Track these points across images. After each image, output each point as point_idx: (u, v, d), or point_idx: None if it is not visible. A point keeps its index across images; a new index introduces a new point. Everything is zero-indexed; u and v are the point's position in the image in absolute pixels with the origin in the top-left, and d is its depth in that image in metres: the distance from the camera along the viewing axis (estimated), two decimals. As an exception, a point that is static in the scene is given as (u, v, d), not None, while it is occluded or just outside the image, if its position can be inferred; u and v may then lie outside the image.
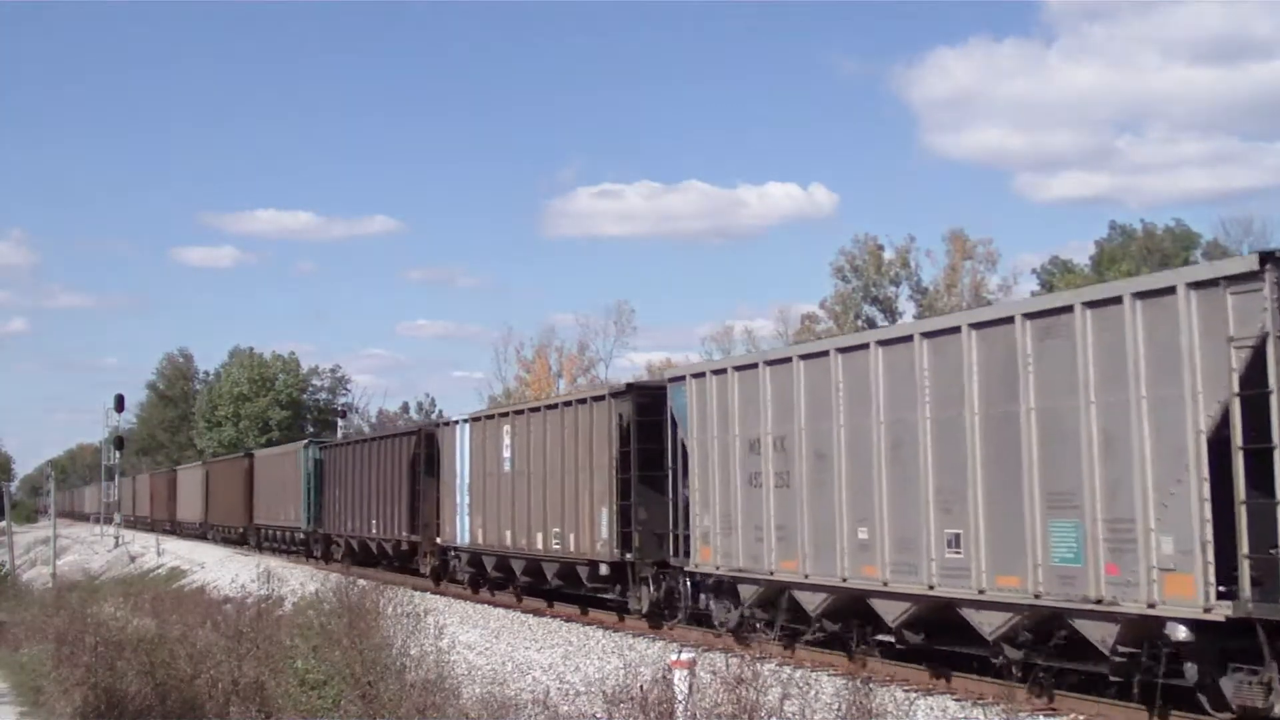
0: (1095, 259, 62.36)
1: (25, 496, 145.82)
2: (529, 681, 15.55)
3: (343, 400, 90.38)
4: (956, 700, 13.47)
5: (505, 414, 26.18)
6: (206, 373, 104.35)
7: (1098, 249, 64.08)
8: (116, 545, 63.56)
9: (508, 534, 24.84)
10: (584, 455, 21.70)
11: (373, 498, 33.81)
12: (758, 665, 8.79)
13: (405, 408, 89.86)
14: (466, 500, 27.16)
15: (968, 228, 67.50)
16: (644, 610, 19.99)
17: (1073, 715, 12.36)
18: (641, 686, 8.74)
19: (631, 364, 75.03)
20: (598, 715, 8.99)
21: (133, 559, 55.05)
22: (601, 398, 21.41)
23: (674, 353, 78.79)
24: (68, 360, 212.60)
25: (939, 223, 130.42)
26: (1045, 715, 12.46)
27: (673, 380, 19.25)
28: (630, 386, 21.38)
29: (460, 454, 27.59)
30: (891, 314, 59.70)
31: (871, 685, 10.10)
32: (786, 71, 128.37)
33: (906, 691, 13.91)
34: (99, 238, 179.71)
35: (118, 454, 75.81)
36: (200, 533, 59.63)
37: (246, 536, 48.70)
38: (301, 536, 40.72)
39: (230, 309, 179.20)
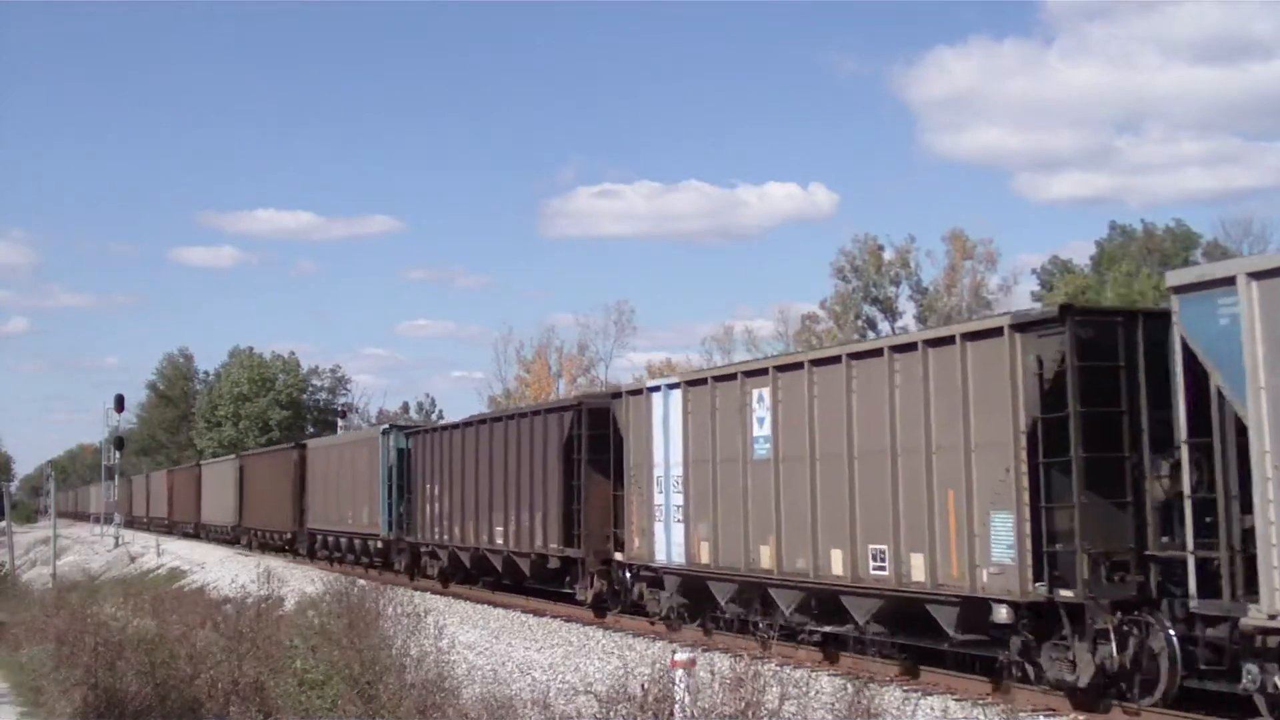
0: (1095, 259, 62.35)
1: (25, 497, 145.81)
2: (529, 682, 15.55)
3: (343, 400, 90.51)
4: (957, 700, 13.48)
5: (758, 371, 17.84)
6: (206, 373, 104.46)
7: (1098, 249, 64.07)
8: (116, 545, 63.57)
9: (763, 550, 17.10)
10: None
11: (498, 497, 25.86)
12: (757, 665, 8.80)
13: (405, 407, 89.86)
14: (676, 502, 19.24)
15: (968, 228, 67.59)
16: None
17: (1073, 715, 12.37)
18: (644, 686, 8.74)
19: (631, 364, 74.95)
20: (596, 716, 8.98)
21: (133, 559, 55.04)
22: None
23: (674, 353, 79.04)
24: (68, 360, 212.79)
25: (939, 223, 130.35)
26: (1045, 715, 12.47)
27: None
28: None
29: (665, 434, 19.63)
30: (892, 314, 59.77)
31: (871, 685, 10.10)
32: (786, 71, 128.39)
33: (906, 691, 13.92)
34: (99, 238, 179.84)
35: (118, 454, 75.83)
36: (232, 537, 52.18)
37: (295, 543, 42.39)
38: (379, 546, 33.60)
39: (230, 309, 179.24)
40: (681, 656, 11.84)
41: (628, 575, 20.91)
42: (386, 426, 32.18)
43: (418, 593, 24.85)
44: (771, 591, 16.72)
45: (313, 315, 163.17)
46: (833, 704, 9.62)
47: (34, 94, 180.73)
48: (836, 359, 15.81)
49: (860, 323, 59.22)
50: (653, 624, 19.88)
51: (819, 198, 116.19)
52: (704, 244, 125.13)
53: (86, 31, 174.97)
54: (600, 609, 21.98)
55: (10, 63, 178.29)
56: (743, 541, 17.20)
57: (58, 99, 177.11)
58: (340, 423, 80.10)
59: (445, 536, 28.87)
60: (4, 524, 51.28)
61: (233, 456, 57.19)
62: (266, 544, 46.30)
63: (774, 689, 8.62)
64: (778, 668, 10.06)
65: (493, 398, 69.25)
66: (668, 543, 19.18)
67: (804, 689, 9.07)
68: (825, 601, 15.86)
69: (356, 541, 35.64)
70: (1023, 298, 60.26)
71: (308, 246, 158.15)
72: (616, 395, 21.40)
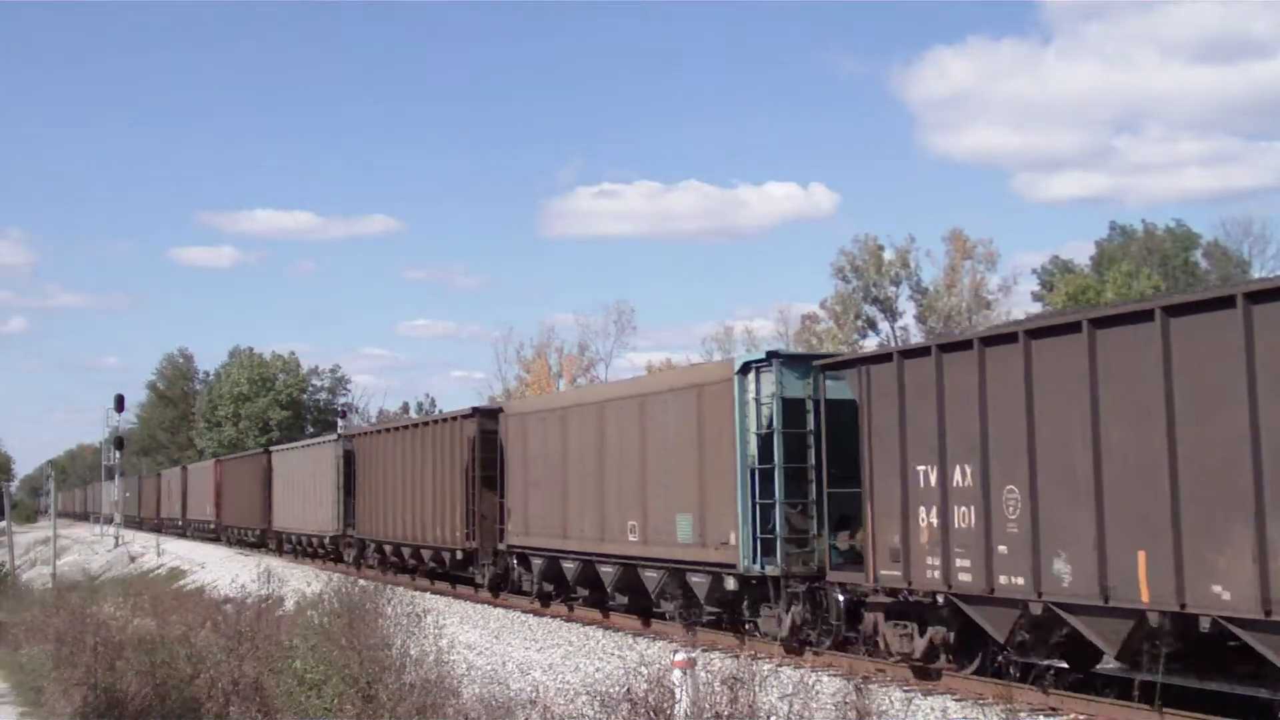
0: (1095, 259, 62.38)
1: (25, 496, 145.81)
2: (529, 681, 15.56)
3: (343, 400, 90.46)
4: (957, 700, 13.48)
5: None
6: (206, 373, 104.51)
7: (1098, 249, 64.12)
8: (116, 545, 63.58)
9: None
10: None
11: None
12: (756, 665, 8.80)
13: (405, 407, 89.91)
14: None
15: (967, 228, 67.69)
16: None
17: (1073, 715, 12.38)
18: (646, 686, 8.74)
19: (631, 364, 74.95)
20: (596, 716, 8.99)
21: (133, 559, 55.06)
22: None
23: (674, 353, 78.95)
24: (68, 360, 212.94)
25: (939, 223, 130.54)
26: (1045, 715, 12.48)
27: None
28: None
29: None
30: (892, 314, 59.76)
31: (870, 686, 10.11)
32: (786, 71, 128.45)
33: (906, 692, 13.93)
34: (98, 238, 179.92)
35: (118, 454, 75.83)
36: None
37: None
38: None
39: (230, 309, 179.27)
40: (681, 657, 11.86)
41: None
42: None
43: (418, 593, 24.86)
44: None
45: (312, 315, 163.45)
46: (832, 704, 9.62)
47: (33, 93, 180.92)
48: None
49: (860, 323, 59.22)
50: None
51: (819, 198, 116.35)
52: (704, 244, 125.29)
53: (85, 31, 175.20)
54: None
55: (9, 62, 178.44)
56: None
57: (56, 98, 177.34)
58: (340, 423, 80.00)
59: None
60: (4, 524, 51.22)
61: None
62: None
63: (774, 689, 8.62)
64: (777, 668, 10.07)
65: (492, 398, 69.24)
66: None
67: (804, 689, 9.08)
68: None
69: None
70: (1023, 297, 60.40)
71: (307, 246, 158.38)
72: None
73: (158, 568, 49.14)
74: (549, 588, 24.01)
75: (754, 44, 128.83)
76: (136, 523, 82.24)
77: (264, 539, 46.24)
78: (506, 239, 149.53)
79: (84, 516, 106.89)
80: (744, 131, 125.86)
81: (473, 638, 20.63)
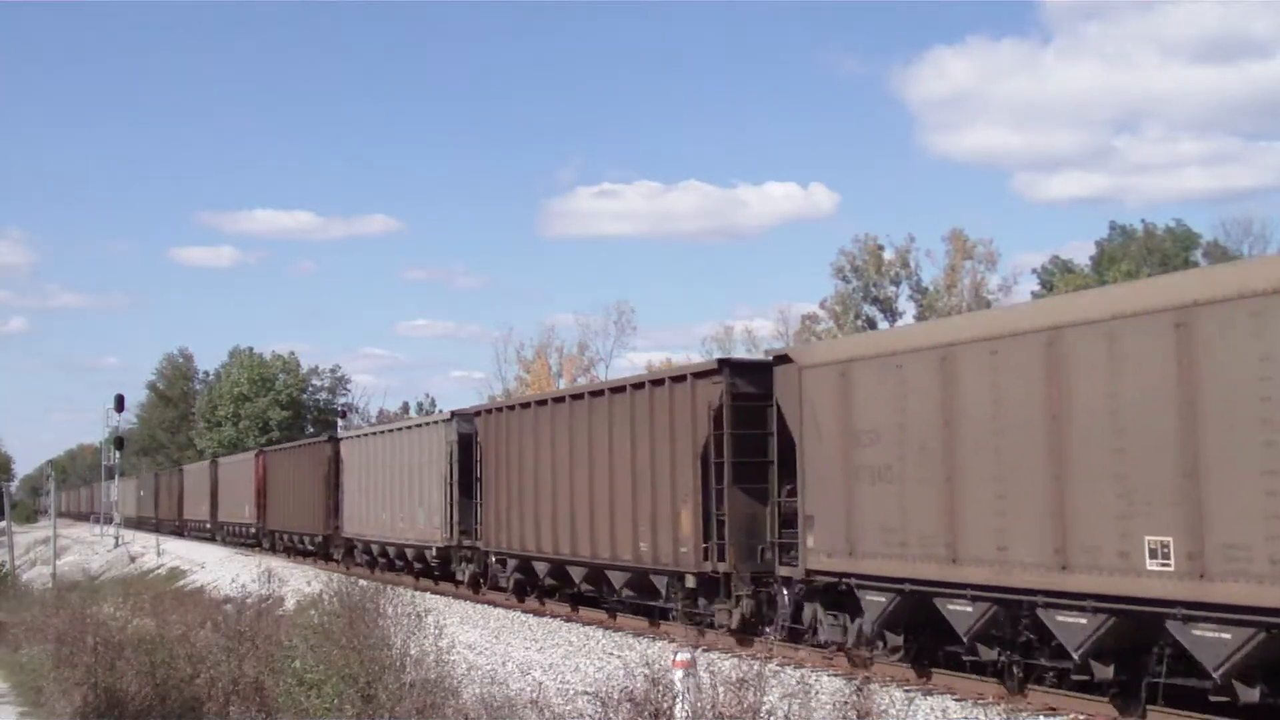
0: (1095, 259, 62.38)
1: (25, 496, 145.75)
2: (529, 681, 15.55)
3: (343, 400, 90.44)
4: (957, 700, 13.48)
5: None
6: (206, 373, 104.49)
7: (1098, 249, 64.12)
8: (116, 545, 63.57)
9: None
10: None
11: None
12: (758, 665, 8.80)
13: (405, 408, 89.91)
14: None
15: (967, 228, 67.65)
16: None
17: (1073, 715, 12.38)
18: (646, 686, 8.74)
19: (631, 364, 74.88)
20: (597, 716, 8.98)
21: (133, 559, 55.03)
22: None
23: (674, 353, 78.85)
24: (68, 360, 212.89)
25: (939, 223, 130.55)
26: (1046, 715, 12.48)
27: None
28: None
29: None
30: (892, 314, 59.73)
31: (871, 686, 10.10)
32: (786, 71, 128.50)
33: (907, 692, 13.93)
34: (98, 238, 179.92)
35: (118, 454, 75.80)
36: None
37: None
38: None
39: (230, 309, 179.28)
40: (682, 657, 11.86)
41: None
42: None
43: (418, 593, 24.84)
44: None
45: (312, 315, 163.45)
46: (832, 704, 9.61)
47: (33, 93, 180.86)
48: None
49: (860, 323, 59.18)
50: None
51: (819, 198, 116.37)
52: (704, 244, 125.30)
53: (85, 31, 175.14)
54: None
55: (9, 62, 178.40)
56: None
57: (56, 98, 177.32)
58: (340, 423, 79.93)
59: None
60: (4, 524, 51.22)
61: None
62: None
63: (775, 689, 8.62)
64: (778, 668, 10.06)
65: (492, 397, 69.23)
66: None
67: (804, 689, 9.07)
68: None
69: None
70: (1023, 297, 60.29)
71: (307, 246, 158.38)
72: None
73: (157, 568, 49.13)
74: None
75: (754, 44, 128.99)
76: (152, 525, 73.88)
77: (327, 548, 37.92)
78: (506, 239, 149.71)
79: (85, 517, 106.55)
80: (744, 131, 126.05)
81: (473, 638, 20.63)
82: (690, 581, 18.36)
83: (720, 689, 8.56)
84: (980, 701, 13.29)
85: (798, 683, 9.58)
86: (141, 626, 17.41)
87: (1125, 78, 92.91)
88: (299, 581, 27.46)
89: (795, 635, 16.54)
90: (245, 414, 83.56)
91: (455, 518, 27.34)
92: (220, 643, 15.04)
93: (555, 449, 22.94)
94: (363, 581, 17.83)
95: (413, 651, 13.07)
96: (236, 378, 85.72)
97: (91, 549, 65.82)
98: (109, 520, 74.35)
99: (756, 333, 65.30)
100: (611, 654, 17.88)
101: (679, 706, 9.06)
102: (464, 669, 15.02)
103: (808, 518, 15.70)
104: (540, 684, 15.05)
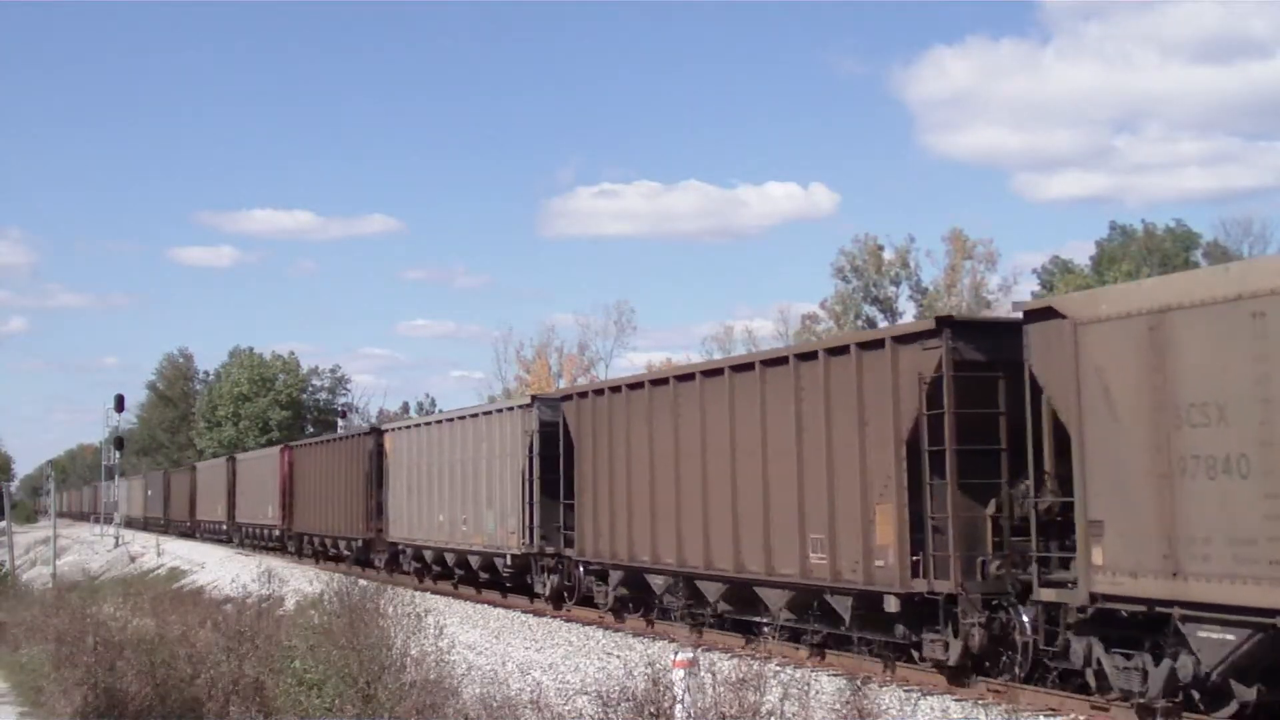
0: (1095, 259, 62.37)
1: (25, 496, 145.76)
2: (529, 681, 15.55)
3: (343, 400, 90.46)
4: (957, 700, 13.47)
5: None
6: (206, 373, 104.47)
7: (1098, 249, 64.11)
8: (116, 545, 63.57)
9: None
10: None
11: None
12: (758, 665, 8.80)
13: (405, 408, 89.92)
14: None
15: (967, 228, 67.63)
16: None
17: (1073, 715, 12.38)
18: (646, 686, 8.74)
19: (631, 364, 74.91)
20: (597, 716, 8.98)
21: (133, 559, 55.03)
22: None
23: (674, 352, 78.94)
24: (68, 360, 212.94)
25: (939, 223, 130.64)
26: (1046, 715, 12.48)
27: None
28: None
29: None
30: (892, 314, 59.71)
31: (871, 685, 10.10)
32: (786, 71, 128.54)
33: (908, 692, 13.92)
34: (98, 238, 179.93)
35: (118, 454, 75.81)
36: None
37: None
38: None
39: (229, 309, 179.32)
40: (682, 657, 11.85)
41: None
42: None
43: (418, 593, 24.83)
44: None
45: (312, 315, 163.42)
46: (832, 704, 9.61)
47: (33, 93, 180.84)
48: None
49: (860, 323, 59.15)
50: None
51: (819, 197, 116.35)
52: (704, 244, 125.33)
53: (85, 31, 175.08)
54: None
55: (9, 62, 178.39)
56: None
57: (56, 98, 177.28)
58: (340, 423, 79.93)
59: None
60: (4, 524, 51.21)
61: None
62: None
63: (774, 689, 8.62)
64: (778, 668, 10.06)
65: (492, 397, 69.20)
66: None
67: (804, 689, 9.07)
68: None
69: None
70: (1023, 298, 60.21)
71: (307, 246, 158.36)
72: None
73: (157, 568, 49.12)
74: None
75: (754, 44, 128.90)
76: (161, 526, 70.82)
77: (368, 554, 33.92)
78: (506, 239, 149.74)
79: (85, 517, 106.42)
80: (744, 131, 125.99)
81: (473, 638, 20.63)
82: (891, 605, 14.39)
83: (720, 689, 8.57)
84: (980, 702, 13.28)
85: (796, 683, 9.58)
86: (141, 626, 17.41)
87: (1125, 78, 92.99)
88: (299, 581, 27.46)
89: (1063, 677, 13.02)
90: (245, 414, 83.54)
91: (535, 521, 23.74)
92: (220, 643, 15.04)
93: (681, 437, 18.92)
94: (362, 581, 17.83)
95: (413, 651, 13.07)
96: (236, 378, 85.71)
97: (91, 549, 65.81)
98: (109, 520, 74.28)
99: (756, 333, 65.39)
100: (611, 654, 17.88)
101: (679, 707, 9.06)
102: (464, 669, 15.02)
103: (1094, 524, 11.82)
104: (540, 684, 15.04)
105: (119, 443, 76.13)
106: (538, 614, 23.61)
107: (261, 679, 13.79)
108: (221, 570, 39.75)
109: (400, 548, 31.66)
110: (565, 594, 23.52)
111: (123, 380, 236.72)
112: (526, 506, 24.01)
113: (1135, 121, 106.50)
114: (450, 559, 28.59)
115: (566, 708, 11.54)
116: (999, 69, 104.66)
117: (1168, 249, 59.75)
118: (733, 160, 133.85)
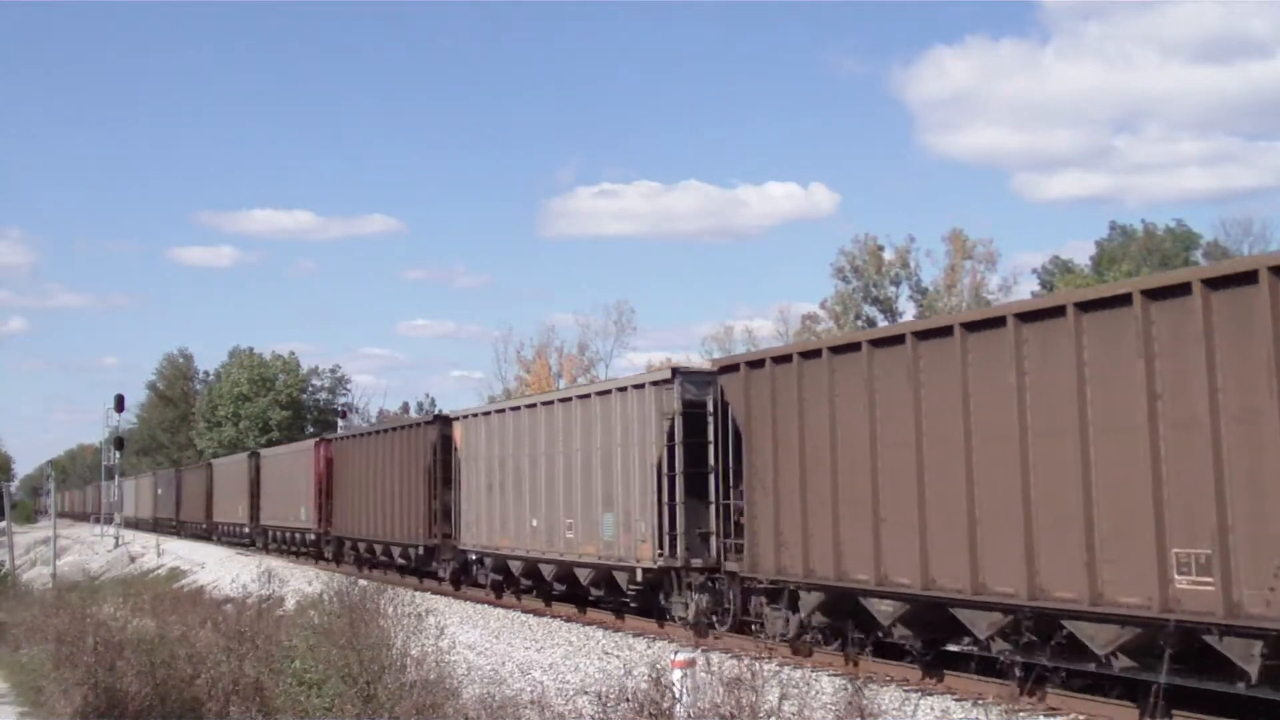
0: (1095, 259, 62.38)
1: (25, 496, 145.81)
2: (529, 681, 15.56)
3: (343, 400, 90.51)
4: (957, 700, 13.48)
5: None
6: (206, 373, 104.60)
7: (1098, 249, 64.13)
8: (117, 545, 63.58)
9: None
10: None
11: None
12: (758, 665, 8.80)
13: (405, 407, 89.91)
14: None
15: (967, 228, 67.68)
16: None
17: (1073, 715, 12.39)
18: (645, 686, 8.73)
19: (631, 364, 74.90)
20: (596, 716, 8.98)
21: (133, 559, 55.06)
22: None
23: (674, 352, 78.80)
24: (68, 360, 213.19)
25: (939, 223, 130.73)
26: (1046, 715, 12.49)
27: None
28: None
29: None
30: (892, 314, 59.73)
31: (871, 685, 10.09)
32: (786, 71, 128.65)
33: (907, 692, 13.93)
34: (98, 238, 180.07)
35: (118, 454, 75.84)
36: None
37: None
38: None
39: (229, 309, 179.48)
40: (682, 657, 11.86)
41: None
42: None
43: (419, 593, 24.85)
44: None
45: (312, 315, 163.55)
46: (832, 704, 9.60)
47: (33, 93, 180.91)
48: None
49: (860, 323, 59.18)
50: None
51: (819, 197, 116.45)
52: (704, 244, 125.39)
53: (85, 31, 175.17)
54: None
55: (9, 62, 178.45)
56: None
57: (56, 98, 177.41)
58: (340, 423, 79.92)
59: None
60: (4, 524, 51.24)
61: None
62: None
63: (774, 689, 8.62)
64: (777, 668, 10.06)
65: (492, 397, 69.21)
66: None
67: (803, 689, 9.07)
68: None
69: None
70: (1023, 298, 60.34)
71: (307, 246, 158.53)
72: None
73: (157, 568, 49.14)
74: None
75: (754, 44, 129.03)
76: (172, 528, 66.63)
77: (429, 562, 29.59)
78: (506, 239, 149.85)
79: (85, 517, 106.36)
80: (744, 131, 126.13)
81: (473, 638, 20.64)
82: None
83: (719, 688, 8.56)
84: (980, 701, 13.29)
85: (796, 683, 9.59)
86: (141, 627, 17.42)
87: (1125, 78, 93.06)
88: (299, 581, 27.46)
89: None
90: (245, 414, 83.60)
91: (679, 527, 18.85)
92: (220, 643, 15.05)
93: (926, 413, 14.19)
94: (362, 581, 17.83)
95: (413, 651, 13.07)
96: (236, 378, 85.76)
97: (91, 549, 65.82)
98: (109, 520, 74.30)
99: (757, 333, 65.36)
100: (611, 654, 17.89)
101: (679, 707, 9.05)
102: (464, 669, 15.03)
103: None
104: (540, 684, 15.05)
105: (119, 443, 76.17)
106: (670, 638, 18.98)
107: (261, 679, 13.79)
108: (221, 570, 39.76)
109: (475, 557, 26.91)
110: (714, 618, 18.59)
111: (123, 380, 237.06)
112: (664, 508, 19.09)
113: (1135, 121, 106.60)
114: (548, 572, 23.38)
115: (567, 708, 11.55)
116: (999, 69, 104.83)
117: (1168, 249, 59.77)
118: (733, 160, 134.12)
